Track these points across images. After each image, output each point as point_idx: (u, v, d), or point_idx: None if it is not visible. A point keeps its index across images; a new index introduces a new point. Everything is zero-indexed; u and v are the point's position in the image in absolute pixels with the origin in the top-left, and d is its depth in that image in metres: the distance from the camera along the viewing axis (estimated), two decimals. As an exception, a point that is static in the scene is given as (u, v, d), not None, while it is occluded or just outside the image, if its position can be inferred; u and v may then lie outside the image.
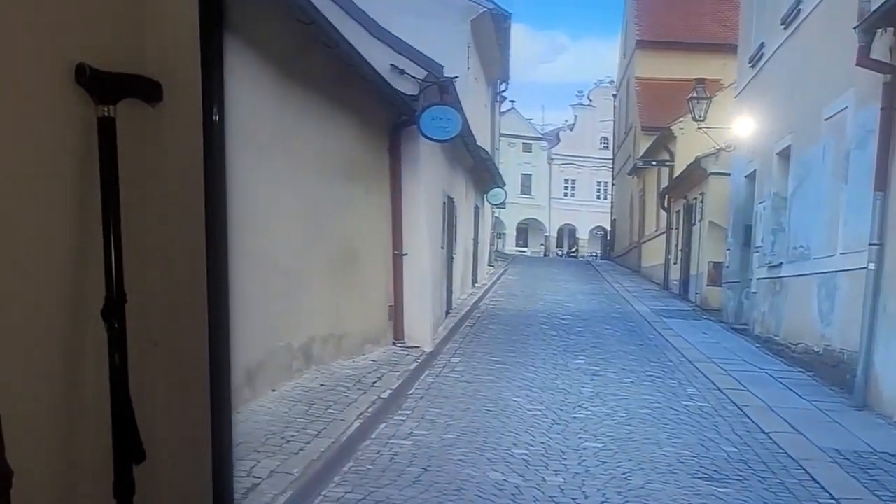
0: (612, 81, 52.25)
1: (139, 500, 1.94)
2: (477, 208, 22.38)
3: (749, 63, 16.20)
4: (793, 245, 13.00)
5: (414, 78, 11.24)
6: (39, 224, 1.81)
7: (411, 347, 11.81)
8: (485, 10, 21.50)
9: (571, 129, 72.59)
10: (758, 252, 15.41)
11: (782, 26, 13.64)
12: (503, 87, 31.53)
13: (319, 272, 9.28)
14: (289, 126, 8.17)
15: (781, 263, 13.63)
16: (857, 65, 9.26)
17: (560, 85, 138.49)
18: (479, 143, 20.81)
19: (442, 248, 14.45)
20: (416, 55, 11.44)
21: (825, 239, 11.37)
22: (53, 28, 1.80)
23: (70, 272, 1.89)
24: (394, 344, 11.91)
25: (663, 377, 10.92)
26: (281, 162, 8.04)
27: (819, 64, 12.01)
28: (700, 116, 17.55)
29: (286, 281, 8.30)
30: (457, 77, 11.77)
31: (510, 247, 65.53)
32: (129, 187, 1.91)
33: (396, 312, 11.87)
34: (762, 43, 15.17)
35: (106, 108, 1.86)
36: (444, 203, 14.57)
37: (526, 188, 71.55)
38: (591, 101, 71.11)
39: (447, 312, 15.70)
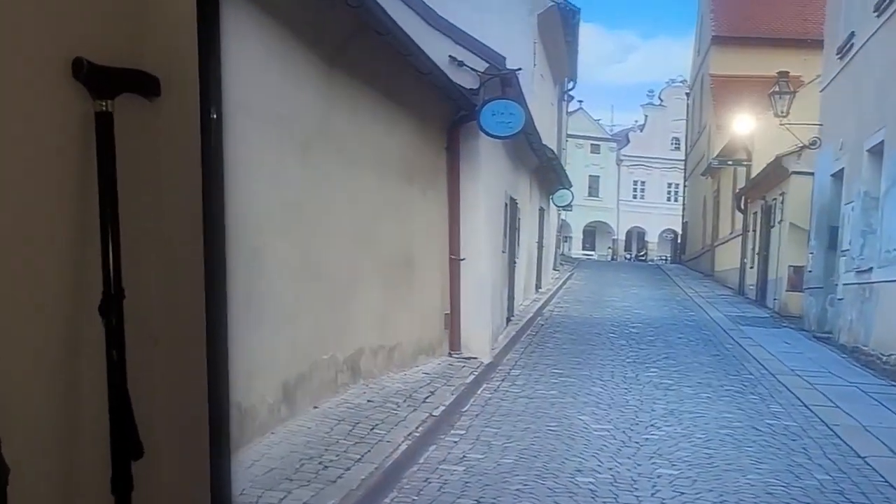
0: (685, 81, 51.09)
1: (137, 496, 1.95)
2: (542, 210, 21.69)
3: (837, 54, 15.25)
4: (886, 248, 12.10)
5: (474, 70, 10.65)
6: (36, 219, 1.83)
7: (468, 358, 11.22)
8: (553, 3, 20.86)
9: (641, 130, 71.39)
10: (844, 256, 14.48)
11: (875, 14, 12.72)
12: (570, 85, 30.79)
13: (371, 278, 8.73)
14: (337, 122, 7.64)
15: (872, 268, 12.72)
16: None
17: (630, 85, 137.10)
18: (544, 142, 20.17)
19: (503, 251, 13.83)
20: (477, 46, 10.85)
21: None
22: (51, 21, 1.81)
23: (68, 268, 1.91)
24: (450, 355, 11.33)
25: (743, 392, 10.14)
26: (328, 160, 7.51)
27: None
28: (782, 112, 16.56)
29: (332, 287, 7.78)
30: (520, 69, 11.14)
31: (577, 250, 64.63)
32: (126, 183, 1.91)
33: (453, 321, 11.29)
34: (852, 32, 14.23)
35: (104, 103, 1.86)
36: (506, 205, 13.95)
37: (594, 190, 70.58)
38: (662, 100, 69.83)
39: (508, 320, 15.08)
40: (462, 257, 11.18)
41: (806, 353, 13.90)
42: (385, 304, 9.15)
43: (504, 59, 11.09)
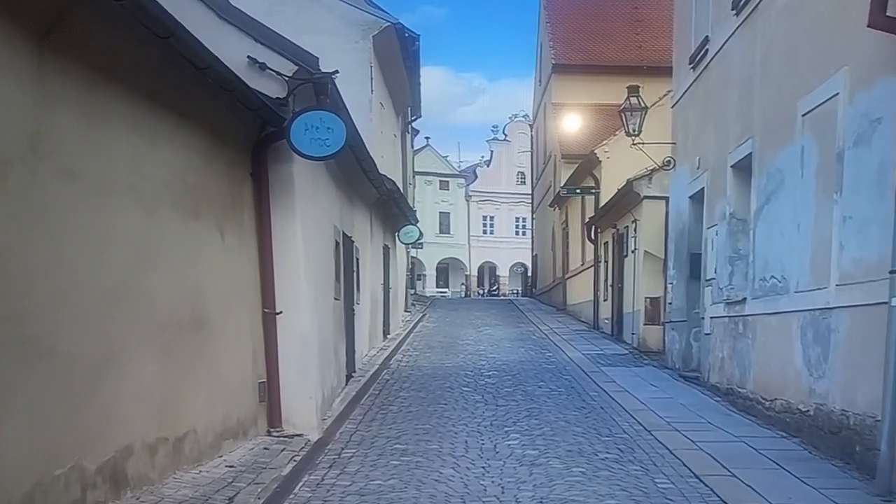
0: (527, 115, 50.48)
1: None
2: (387, 249, 19.60)
3: (689, 64, 13.84)
4: (760, 276, 10.53)
5: (280, 75, 8.47)
6: None
7: (292, 436, 8.95)
8: (389, 24, 18.94)
9: (488, 165, 71.10)
10: (710, 285, 12.94)
11: (733, 12, 11.29)
12: (414, 117, 29.10)
13: (138, 349, 6.34)
14: (62, 131, 5.29)
15: (745, 298, 11.15)
16: (870, 26, 6.79)
17: (478, 126, 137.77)
18: (389, 175, 18.14)
19: (336, 299, 11.62)
20: (283, 44, 8.64)
21: (810, 267, 8.90)
22: None
23: None
24: (269, 433, 9.01)
25: (621, 460, 8.20)
26: (49, 187, 5.16)
27: (790, 48, 9.63)
28: (634, 130, 15.01)
29: (71, 368, 5.40)
30: (336, 72, 8.96)
31: (431, 288, 63.16)
32: None
33: (271, 391, 8.98)
34: (706, 37, 12.82)
35: None
36: (339, 243, 11.76)
37: (445, 227, 69.60)
38: (506, 135, 69.78)
39: (349, 377, 12.86)
40: (278, 310, 8.91)
41: (677, 397, 12.23)
42: (165, 380, 6.77)
43: (317, 59, 8.93)
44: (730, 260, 11.83)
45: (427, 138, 67.58)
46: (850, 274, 7.94)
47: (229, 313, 8.15)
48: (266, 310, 8.85)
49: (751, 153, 10.84)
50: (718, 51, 12.27)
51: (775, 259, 10.01)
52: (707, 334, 13.05)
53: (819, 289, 8.63)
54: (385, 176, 16.37)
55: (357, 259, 14.33)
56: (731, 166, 11.65)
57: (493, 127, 72.47)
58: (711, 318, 12.79)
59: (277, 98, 8.38)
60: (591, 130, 27.93)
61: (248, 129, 8.35)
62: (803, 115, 9.04)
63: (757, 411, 10.55)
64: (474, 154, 75.63)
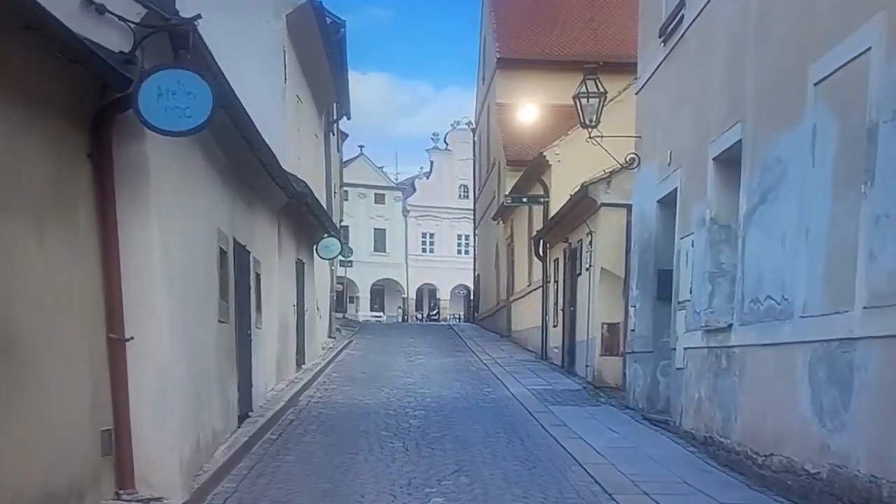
0: (470, 123, 49.02)
1: None
2: (301, 264, 17.71)
3: (659, 38, 12.26)
4: (752, 297, 8.94)
5: (123, 21, 6.63)
6: None
7: (148, 501, 7.14)
8: (305, 1, 17.15)
9: (428, 177, 69.49)
10: (683, 309, 11.34)
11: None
12: (339, 117, 27.33)
13: None
14: None
15: (730, 325, 9.56)
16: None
17: (422, 138, 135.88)
18: (306, 180, 16.33)
19: (222, 321, 9.74)
20: None
21: (823, 284, 7.34)
22: None
23: None
24: (117, 496, 7.16)
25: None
26: None
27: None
28: (592, 121, 13.33)
29: None
30: (199, 17, 7.10)
31: (365, 312, 61.16)
32: None
33: (119, 441, 7.10)
34: (680, 1, 11.28)
35: None
36: (224, 252, 9.88)
37: (380, 245, 67.88)
38: (447, 144, 68.18)
39: (242, 418, 10.97)
40: (128, 336, 7.04)
41: (643, 446, 10.62)
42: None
43: (173, 1, 7.12)
44: (710, 277, 10.24)
45: (361, 147, 65.95)
46: (886, 292, 6.37)
47: (55, 338, 6.27)
48: (112, 335, 7.00)
49: (740, 140, 9.26)
50: (698, 15, 10.69)
51: (773, 274, 8.42)
52: (679, 369, 11.45)
53: (837, 313, 7.06)
54: (294, 176, 14.54)
55: (258, 274, 12.48)
56: (714, 159, 10.08)
57: (434, 135, 70.91)
58: (685, 348, 11.19)
59: (121, 52, 6.56)
60: (540, 133, 26.33)
61: (81, 94, 6.51)
62: (816, 84, 7.49)
63: (745, 468, 8.95)
64: (414, 166, 73.96)
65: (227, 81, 8.12)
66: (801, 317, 7.71)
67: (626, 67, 19.02)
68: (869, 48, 6.67)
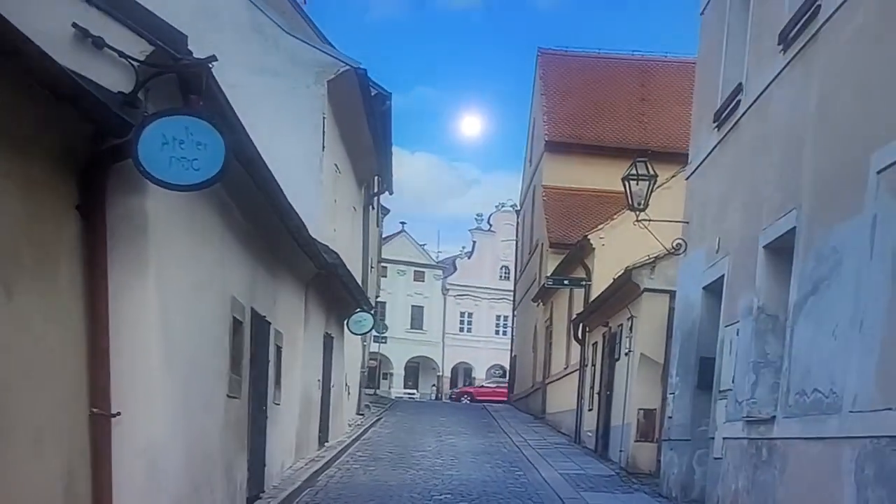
0: (515, 205, 48.74)
1: None
2: (329, 338, 17.20)
3: (713, 123, 11.73)
4: (798, 389, 8.24)
5: (125, 57, 6.18)
6: None
7: None
8: (349, 68, 16.85)
9: (469, 257, 69.01)
10: (724, 398, 10.64)
11: (780, 48, 9.19)
12: (382, 190, 26.98)
13: None
14: None
15: (773, 417, 8.86)
16: None
17: (466, 219, 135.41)
18: (341, 252, 15.91)
19: (232, 396, 9.19)
20: (133, 12, 6.32)
21: (875, 378, 6.66)
22: None
23: None
24: None
25: None
26: None
27: (864, 85, 7.50)
28: (640, 204, 12.78)
29: None
30: (215, 59, 6.64)
31: (398, 388, 60.35)
32: None
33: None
34: (738, 85, 10.72)
35: None
36: (239, 322, 9.35)
37: (417, 322, 67.21)
38: (491, 225, 67.82)
39: (252, 500, 10.33)
40: (114, 412, 6.42)
41: (680, 542, 9.86)
42: None
43: (186, 38, 6.64)
44: (754, 366, 9.55)
45: (402, 223, 65.82)
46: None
47: (24, 411, 5.66)
48: (94, 409, 6.34)
49: (794, 228, 8.64)
50: (755, 100, 10.16)
51: (822, 367, 7.73)
52: (717, 458, 10.75)
53: (889, 409, 6.39)
54: (326, 246, 14.11)
55: (278, 347, 11.96)
56: (765, 247, 9.46)
57: (478, 215, 70.63)
58: (724, 438, 10.48)
59: (121, 93, 6.09)
60: (584, 217, 26.02)
61: (70, 137, 5.96)
62: (879, 172, 6.88)
63: (787, 570, 8.18)
64: (456, 246, 73.61)
65: (247, 133, 7.61)
66: (851, 412, 7.01)
67: (672, 158, 18.77)
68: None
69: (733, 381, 10.30)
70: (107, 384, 6.33)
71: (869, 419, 6.69)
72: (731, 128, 11.14)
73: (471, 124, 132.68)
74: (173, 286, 7.01)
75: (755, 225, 9.87)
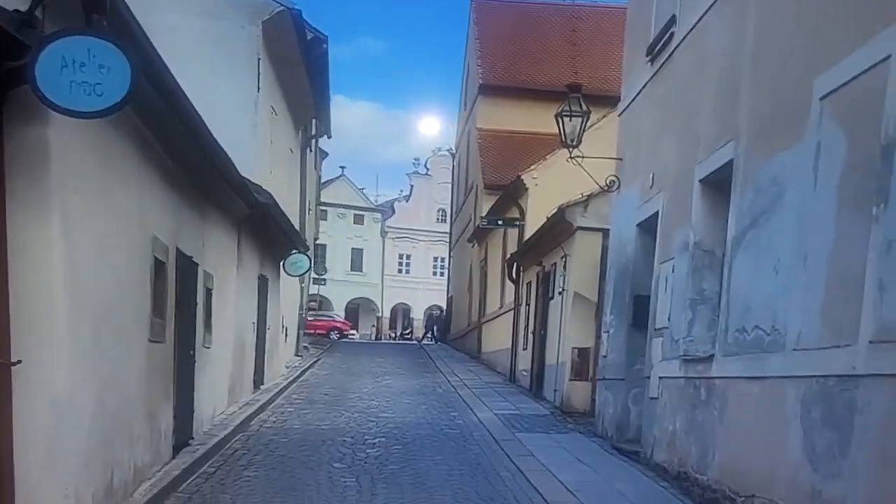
0: (451, 149, 48.06)
1: None
2: (264, 280, 16.50)
3: (646, 57, 11.20)
4: (737, 326, 7.86)
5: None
6: None
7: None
8: (283, 8, 15.95)
9: (407, 200, 68.43)
10: (661, 336, 10.26)
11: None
12: (318, 134, 26.13)
13: None
14: None
15: (712, 356, 8.48)
16: None
17: (405, 164, 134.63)
18: (282, 197, 15.17)
19: (155, 341, 8.51)
20: None
21: (822, 315, 6.25)
22: None
23: None
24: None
25: None
26: None
27: (806, 7, 7.05)
28: (573, 141, 12.23)
29: None
30: None
31: (339, 330, 59.66)
32: None
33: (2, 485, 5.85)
34: (672, 17, 10.18)
35: None
36: (161, 263, 8.65)
37: (357, 264, 66.63)
38: (428, 169, 67.19)
39: (180, 448, 9.70)
40: (14, 360, 5.73)
41: (613, 481, 9.50)
42: None
43: None
44: (691, 304, 9.16)
45: (342, 168, 64.78)
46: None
47: None
48: None
49: (731, 161, 8.18)
50: (690, 31, 9.60)
51: (763, 303, 7.34)
52: (653, 398, 10.37)
53: (837, 346, 5.97)
54: (258, 186, 13.37)
55: (208, 289, 11.26)
56: (700, 181, 9.01)
57: (415, 160, 69.91)
58: (661, 377, 10.10)
59: (16, 11, 5.31)
60: (517, 159, 25.43)
61: None
62: (823, 98, 6.41)
63: (726, 510, 7.86)
64: (394, 190, 72.82)
65: (161, 58, 6.81)
66: (795, 350, 6.62)
67: (603, 100, 18.31)
68: (888, 56, 5.59)
69: (669, 319, 9.91)
70: (5, 330, 5.68)
71: (815, 357, 6.31)
72: (665, 61, 10.61)
73: (410, 73, 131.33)
74: (83, 224, 6.30)
75: (690, 159, 9.41)
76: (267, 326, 16.74)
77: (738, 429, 7.78)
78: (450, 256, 40.49)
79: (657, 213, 10.56)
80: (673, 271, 9.83)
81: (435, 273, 66.13)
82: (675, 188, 9.95)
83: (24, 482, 5.78)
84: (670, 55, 10.38)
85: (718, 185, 8.60)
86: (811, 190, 6.49)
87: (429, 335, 44.36)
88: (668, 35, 10.38)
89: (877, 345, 5.49)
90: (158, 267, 8.51)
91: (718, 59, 8.85)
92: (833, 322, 6.09)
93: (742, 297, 7.82)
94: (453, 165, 40.46)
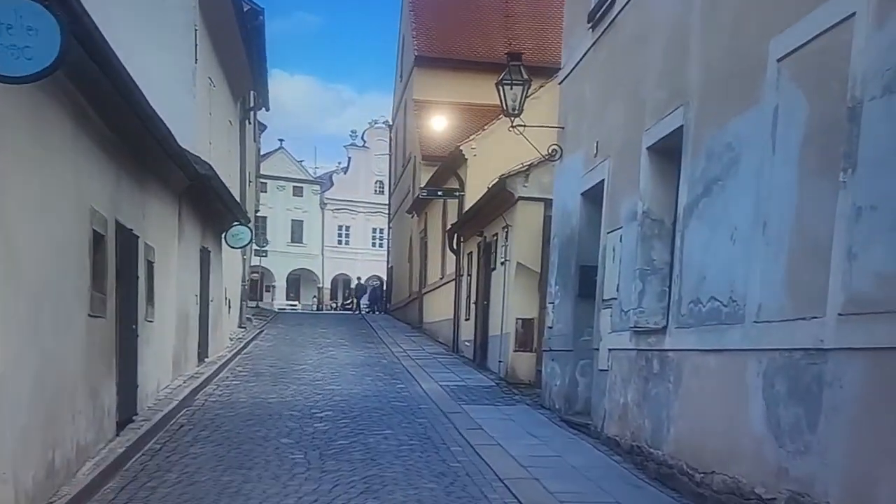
0: (388, 121, 47.50)
1: None
2: (206, 252, 15.88)
3: (588, 23, 10.84)
4: (691, 298, 7.59)
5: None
6: None
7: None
8: (217, -23, 15.28)
9: (345, 172, 67.76)
10: (609, 307, 9.98)
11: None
12: (256, 106, 25.43)
13: None
14: None
15: (665, 327, 8.22)
16: None
17: (343, 136, 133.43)
18: (216, 165, 14.52)
19: (95, 315, 7.97)
20: None
21: (785, 286, 5.99)
22: None
23: None
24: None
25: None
26: None
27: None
28: (515, 109, 11.85)
29: None
30: None
31: (281, 301, 59.00)
32: None
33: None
34: (615, -20, 9.88)
35: None
36: (103, 236, 8.14)
37: (297, 236, 65.81)
38: (365, 141, 66.53)
39: (124, 424, 9.19)
40: None
41: (565, 455, 9.23)
42: None
43: None
44: (640, 274, 8.88)
45: (281, 140, 63.80)
46: (870, 298, 5.04)
47: None
48: None
49: (681, 127, 7.88)
50: (632, -4, 9.32)
51: (719, 274, 7.07)
52: (602, 370, 10.09)
53: (803, 318, 5.71)
54: (197, 157, 12.77)
55: (150, 262, 10.70)
56: (649, 148, 8.71)
57: (352, 132, 69.11)
58: (610, 349, 9.83)
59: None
60: (455, 131, 25.05)
61: None
62: (780, 60, 6.11)
63: (680, 484, 7.63)
64: (332, 162, 71.97)
65: (93, 21, 6.24)
66: (756, 322, 6.35)
67: (538, 71, 17.84)
68: (853, 13, 5.30)
69: (618, 290, 9.62)
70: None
71: (778, 330, 6.04)
72: (608, 26, 10.24)
73: (346, 46, 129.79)
74: (13, 194, 5.75)
75: (637, 126, 9.09)
76: (210, 299, 16.15)
77: (694, 403, 7.53)
78: (389, 227, 40.01)
79: (603, 181, 10.25)
80: (621, 241, 9.55)
81: (374, 244, 65.70)
82: (622, 156, 9.65)
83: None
84: (613, 20, 10.02)
85: (667, 152, 8.31)
86: (769, 155, 6.22)
87: (356, 304, 43.70)
88: (609, 1, 10.01)
89: (846, 317, 5.24)
90: (97, 239, 7.95)
91: (666, 22, 8.51)
92: (797, 293, 5.84)
93: (696, 266, 7.55)
94: (391, 137, 39.92)
